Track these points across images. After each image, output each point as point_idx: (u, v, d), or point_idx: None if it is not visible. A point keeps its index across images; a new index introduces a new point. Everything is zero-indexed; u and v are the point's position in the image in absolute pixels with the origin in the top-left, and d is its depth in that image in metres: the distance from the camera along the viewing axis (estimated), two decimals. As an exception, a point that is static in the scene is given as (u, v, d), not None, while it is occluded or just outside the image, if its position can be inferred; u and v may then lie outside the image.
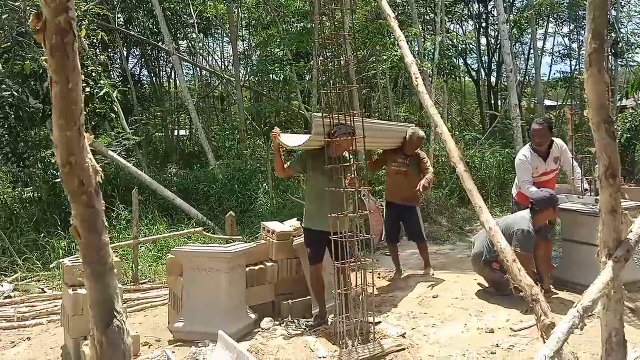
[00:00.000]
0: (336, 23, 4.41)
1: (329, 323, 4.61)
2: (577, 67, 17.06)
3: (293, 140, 4.95)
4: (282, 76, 11.90)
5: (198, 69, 17.27)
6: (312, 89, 11.11)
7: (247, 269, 4.72)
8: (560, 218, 5.29)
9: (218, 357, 3.68)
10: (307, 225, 4.77)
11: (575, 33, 17.16)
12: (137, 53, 17.05)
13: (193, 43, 16.50)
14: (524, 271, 2.53)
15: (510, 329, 4.36)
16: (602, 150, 1.82)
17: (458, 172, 2.88)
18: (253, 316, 4.59)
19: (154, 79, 17.87)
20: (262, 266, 4.89)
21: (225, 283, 4.43)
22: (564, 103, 18.46)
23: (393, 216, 6.01)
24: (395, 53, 11.16)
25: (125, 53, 15.19)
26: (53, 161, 8.41)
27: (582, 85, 7.93)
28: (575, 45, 17.48)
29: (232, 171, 10.37)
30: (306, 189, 4.99)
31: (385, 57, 11.44)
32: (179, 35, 15.90)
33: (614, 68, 14.26)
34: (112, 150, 9.05)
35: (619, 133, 10.48)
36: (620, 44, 14.71)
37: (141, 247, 6.89)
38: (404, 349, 4.00)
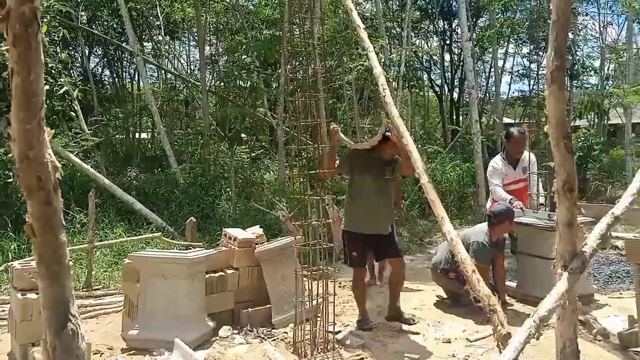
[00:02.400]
0: (305, 32, 4.43)
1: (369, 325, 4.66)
2: (535, 87, 17.57)
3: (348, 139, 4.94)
4: (249, 83, 11.85)
5: (162, 71, 17.02)
6: (279, 97, 11.09)
7: (207, 276, 4.64)
8: (516, 231, 5.42)
9: (173, 365, 3.60)
10: (352, 229, 4.71)
11: (533, 54, 17.75)
12: (99, 52, 16.70)
13: (158, 45, 16.26)
14: (483, 281, 2.57)
15: (467, 339, 4.44)
16: (561, 165, 1.87)
17: (422, 183, 2.92)
18: (211, 324, 4.51)
19: (116, 79, 17.52)
20: (222, 273, 4.81)
21: (183, 289, 4.34)
22: (522, 121, 19.04)
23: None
24: (362, 63, 11.29)
25: (86, 52, 14.84)
26: (4, 159, 8.11)
27: (539, 104, 8.19)
28: (533, 66, 18.07)
29: (194, 176, 10.23)
30: (351, 191, 4.76)
31: (351, 67, 11.55)
32: (144, 37, 15.66)
33: (569, 89, 14.83)
34: (69, 151, 8.80)
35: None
36: (576, 66, 15.30)
37: (96, 251, 6.69)
38: (362, 359, 4.01)
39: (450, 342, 4.39)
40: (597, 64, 18.41)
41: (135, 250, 6.16)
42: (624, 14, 15.90)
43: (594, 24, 18.63)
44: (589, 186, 12.23)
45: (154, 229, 8.02)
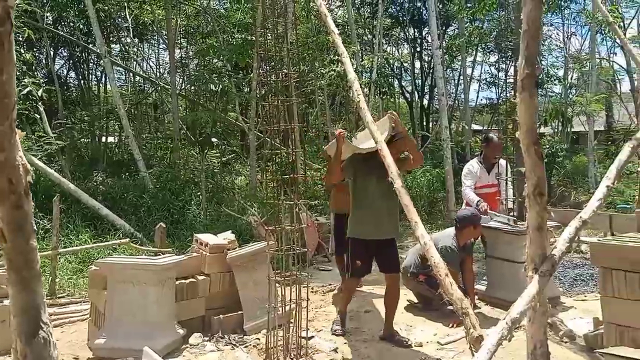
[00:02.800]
0: (277, 37, 4.42)
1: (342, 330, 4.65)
2: (502, 95, 17.95)
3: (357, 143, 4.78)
4: (220, 87, 11.77)
5: (131, 74, 16.77)
6: (251, 101, 11.05)
7: (177, 282, 4.58)
8: (486, 235, 5.52)
9: (143, 373, 3.53)
10: (356, 235, 4.54)
11: (500, 62, 18.18)
12: (65, 54, 16.37)
13: (127, 47, 16.02)
14: (455, 285, 2.60)
15: (438, 342, 4.49)
16: (531, 170, 1.91)
17: (396, 187, 2.94)
18: (181, 331, 4.44)
19: (82, 81, 17.18)
20: (193, 279, 4.75)
21: (153, 296, 4.26)
22: (489, 128, 19.42)
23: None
24: (334, 69, 11.34)
25: (51, 53, 14.52)
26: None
27: (506, 111, 8.37)
28: (500, 74, 18.51)
29: (164, 181, 10.09)
30: (355, 197, 4.58)
31: (324, 73, 11.59)
32: (111, 38, 15.41)
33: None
34: (32, 155, 8.57)
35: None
36: (541, 75, 15.70)
37: (60, 258, 6.51)
38: (335, 364, 4.02)
39: (421, 345, 4.43)
40: (561, 73, 18.92)
41: (102, 257, 6.04)
42: (587, 25, 16.41)
43: (558, 34, 19.16)
44: (554, 191, 12.53)
45: (122, 235, 7.87)
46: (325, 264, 7.74)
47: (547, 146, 13.28)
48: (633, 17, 18.15)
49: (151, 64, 18.20)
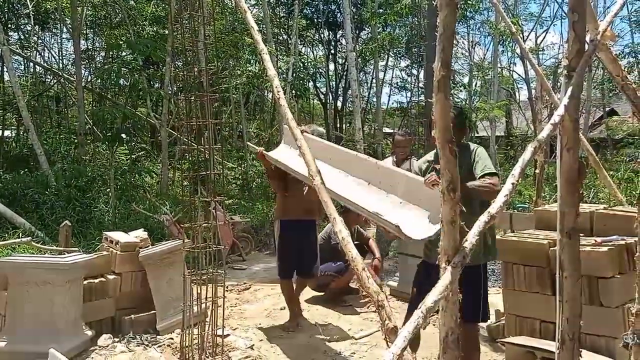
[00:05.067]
0: (191, 31, 4.33)
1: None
2: (413, 99, 18.68)
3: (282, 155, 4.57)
4: (131, 81, 11.31)
5: (31, 64, 15.69)
6: (164, 97, 10.71)
7: (85, 282, 4.36)
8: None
9: (48, 378, 3.34)
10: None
11: (411, 67, 18.91)
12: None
13: (27, 35, 14.97)
14: (372, 279, 2.70)
15: (352, 337, 4.61)
16: (445, 167, 2.02)
17: (314, 184, 2.99)
18: (89, 333, 4.24)
19: (-24, 71, 15.83)
20: (102, 279, 4.55)
21: (59, 297, 4.04)
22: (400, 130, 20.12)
23: (291, 239, 4.79)
24: (250, 68, 11.29)
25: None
26: None
27: (415, 115, 8.75)
28: (411, 79, 19.25)
29: (69, 177, 9.53)
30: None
31: (239, 72, 11.50)
32: (9, 25, 14.33)
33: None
34: None
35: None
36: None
37: (-48, 258, 5.99)
38: (252, 361, 4.01)
39: (336, 341, 4.52)
40: (466, 80, 20.02)
41: (0, 257, 5.62)
42: (490, 36, 17.47)
43: (463, 42, 20.21)
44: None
45: (21, 233, 7.36)
46: (240, 263, 7.70)
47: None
48: (531, 30, 19.59)
49: (54, 54, 17.12)
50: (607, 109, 18.32)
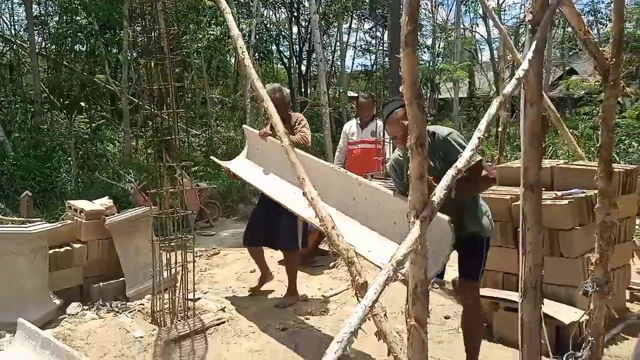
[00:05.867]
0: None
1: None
2: (377, 62, 18.57)
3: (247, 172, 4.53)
4: (87, 46, 10.89)
5: (-20, 30, 14.91)
6: (123, 63, 10.37)
7: (51, 251, 4.29)
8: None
9: (18, 347, 3.30)
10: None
11: (375, 30, 18.78)
12: None
13: (-27, -1, 14.18)
14: (342, 237, 2.74)
15: (322, 296, 4.69)
16: (413, 123, 2.04)
17: (283, 145, 2.99)
18: (57, 301, 4.19)
19: None
20: (68, 247, 4.47)
21: (24, 267, 3.98)
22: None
23: (262, 208, 4.59)
24: (211, 32, 11.01)
25: None
26: None
27: (379, 78, 8.73)
28: (375, 41, 19.12)
29: (27, 147, 9.23)
30: None
31: (200, 36, 11.21)
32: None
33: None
34: None
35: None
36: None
37: None
38: (224, 322, 4.04)
39: (307, 300, 4.60)
40: (429, 42, 20.03)
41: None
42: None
43: (426, 4, 20.08)
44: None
45: (-21, 206, 7.15)
46: (208, 230, 7.68)
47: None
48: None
49: (5, 20, 16.28)
50: (567, 68, 18.68)
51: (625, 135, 9.23)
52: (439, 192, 2.16)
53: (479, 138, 2.21)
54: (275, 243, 4.62)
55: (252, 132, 4.65)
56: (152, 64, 4.17)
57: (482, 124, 2.26)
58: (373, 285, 2.05)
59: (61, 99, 10.33)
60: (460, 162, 2.19)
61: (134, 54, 10.12)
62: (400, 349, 2.43)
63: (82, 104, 8.85)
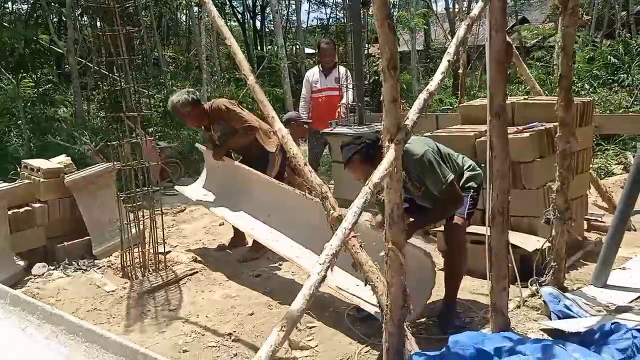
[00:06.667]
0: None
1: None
2: (332, 15, 18.31)
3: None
4: (27, 4, 10.30)
5: None
6: (67, 18, 9.86)
7: (10, 212, 4.14)
8: (330, 142, 5.79)
9: (-16, 307, 3.20)
10: None
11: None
12: None
13: None
14: (314, 173, 2.74)
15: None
16: (384, 45, 2.02)
17: (249, 84, 2.93)
18: (21, 263, 4.09)
19: None
20: (28, 208, 4.32)
21: (-18, 229, 3.83)
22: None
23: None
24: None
25: None
26: None
27: (336, 32, 8.64)
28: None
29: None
30: None
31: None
32: None
33: (363, 17, 15.81)
34: None
35: (368, 76, 11.67)
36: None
37: None
38: (197, 272, 4.03)
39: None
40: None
41: None
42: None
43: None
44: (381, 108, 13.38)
45: None
46: (171, 189, 7.55)
47: (376, 65, 14.02)
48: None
49: None
50: (519, 17, 18.88)
51: (577, 78, 9.49)
52: (412, 115, 2.17)
53: (448, 61, 2.22)
54: None
55: (207, 152, 4.75)
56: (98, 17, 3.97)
57: (451, 47, 2.27)
58: (352, 208, 2.07)
59: (3, 61, 9.77)
60: (432, 86, 2.20)
61: (79, 12, 9.66)
62: (377, 277, 2.48)
63: (29, 64, 8.38)
